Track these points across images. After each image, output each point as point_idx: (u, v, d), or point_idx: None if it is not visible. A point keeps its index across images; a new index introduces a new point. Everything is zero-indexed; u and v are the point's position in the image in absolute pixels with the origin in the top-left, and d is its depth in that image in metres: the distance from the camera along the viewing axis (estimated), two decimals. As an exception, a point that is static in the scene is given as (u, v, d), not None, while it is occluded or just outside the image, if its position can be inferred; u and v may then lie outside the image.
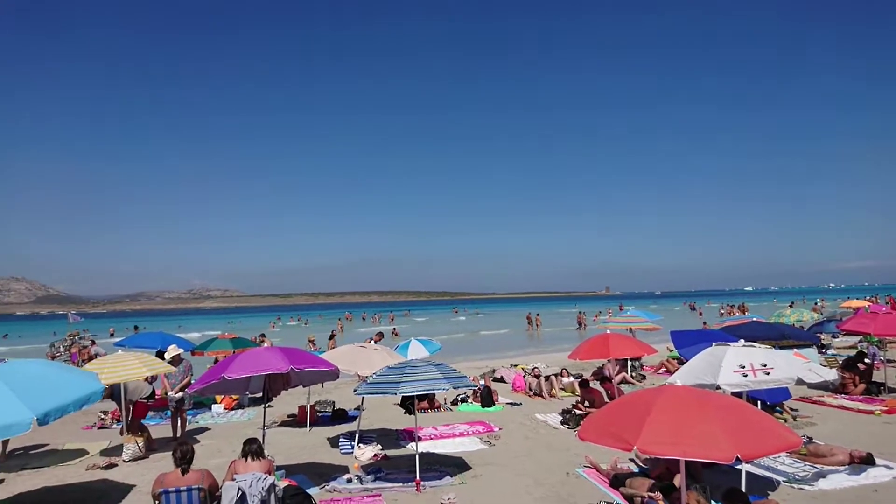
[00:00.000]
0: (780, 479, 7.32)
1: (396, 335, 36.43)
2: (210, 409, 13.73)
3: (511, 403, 13.12)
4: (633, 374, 15.77)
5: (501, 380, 16.06)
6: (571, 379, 14.38)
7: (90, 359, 18.76)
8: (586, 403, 11.27)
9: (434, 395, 12.66)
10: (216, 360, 14.59)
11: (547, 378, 14.22)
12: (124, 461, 9.30)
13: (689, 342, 10.37)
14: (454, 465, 8.36)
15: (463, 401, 13.29)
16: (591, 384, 12.33)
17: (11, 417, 4.57)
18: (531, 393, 14.10)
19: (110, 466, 9.05)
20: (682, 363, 15.70)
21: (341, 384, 15.81)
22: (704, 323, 26.34)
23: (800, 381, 7.47)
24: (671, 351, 17.34)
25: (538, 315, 46.75)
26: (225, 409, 13.73)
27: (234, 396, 13.79)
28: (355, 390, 9.28)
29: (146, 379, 10.39)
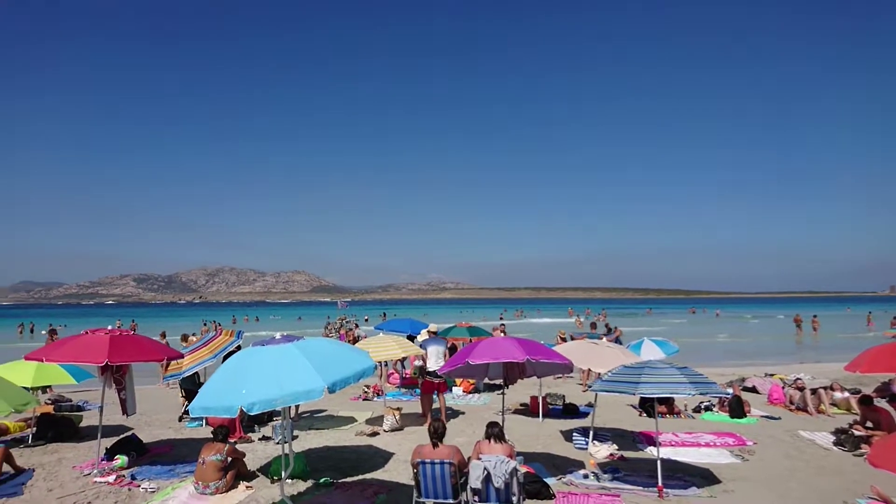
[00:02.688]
0: None
1: (619, 334, 34.83)
2: (451, 391, 14.91)
3: (767, 417, 11.62)
4: (936, 395, 12.72)
5: (753, 389, 14.33)
6: (846, 394, 12.16)
7: (355, 340, 21.91)
8: (868, 424, 9.43)
9: (673, 399, 11.85)
10: (456, 347, 15.78)
11: (814, 391, 12.24)
12: (385, 430, 10.66)
13: None
14: (700, 476, 7.73)
15: (707, 409, 12.16)
16: (875, 402, 10.27)
17: (310, 385, 5.54)
18: (792, 407, 12.29)
19: (374, 434, 10.44)
20: None
21: (570, 379, 15.82)
22: None
23: None
24: None
25: (815, 317, 40.46)
26: (463, 392, 14.78)
27: (472, 381, 14.76)
28: (589, 386, 9.18)
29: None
